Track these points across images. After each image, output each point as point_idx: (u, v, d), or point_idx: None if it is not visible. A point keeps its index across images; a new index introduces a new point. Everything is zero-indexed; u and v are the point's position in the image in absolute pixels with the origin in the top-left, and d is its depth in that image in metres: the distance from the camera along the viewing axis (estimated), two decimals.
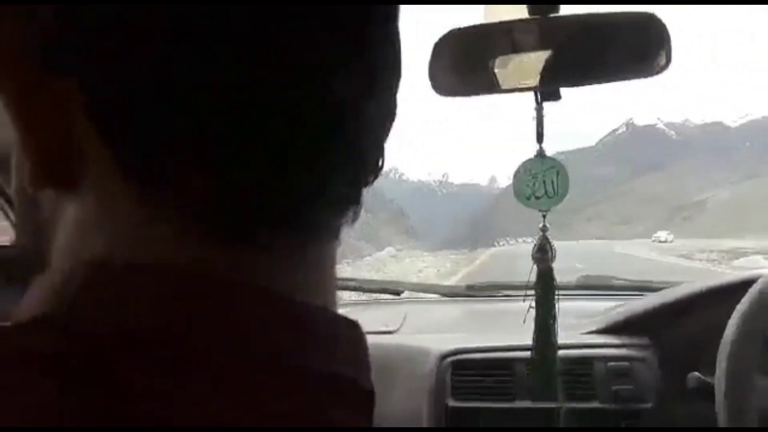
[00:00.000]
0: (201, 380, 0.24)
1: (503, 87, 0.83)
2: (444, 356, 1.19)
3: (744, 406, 0.85)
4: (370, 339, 1.10)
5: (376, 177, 0.32)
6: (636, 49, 0.79)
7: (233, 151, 0.26)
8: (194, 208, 0.26)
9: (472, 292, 1.63)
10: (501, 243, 66.16)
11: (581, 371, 1.13)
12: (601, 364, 1.14)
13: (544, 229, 0.86)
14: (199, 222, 0.26)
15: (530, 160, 0.84)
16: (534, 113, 0.82)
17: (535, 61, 0.81)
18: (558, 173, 0.84)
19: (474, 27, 0.81)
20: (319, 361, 0.27)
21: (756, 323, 0.87)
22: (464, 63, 0.82)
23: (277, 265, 0.28)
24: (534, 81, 0.81)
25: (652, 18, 0.77)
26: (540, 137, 0.82)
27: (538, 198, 0.84)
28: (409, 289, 1.69)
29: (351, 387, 0.29)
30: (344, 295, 1.72)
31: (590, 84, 0.80)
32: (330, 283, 0.32)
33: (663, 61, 0.78)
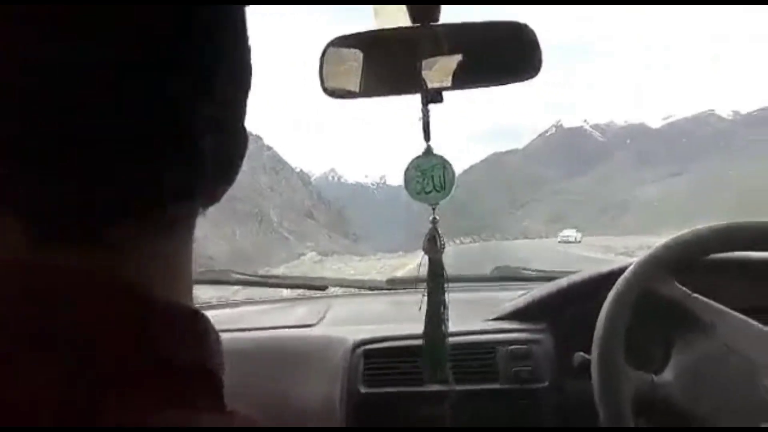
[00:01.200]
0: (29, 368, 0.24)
1: (390, 91, 0.88)
2: (357, 345, 1.25)
3: (613, 383, 0.92)
4: (291, 333, 1.16)
5: (231, 175, 0.34)
6: (510, 55, 0.87)
7: (58, 150, 0.26)
8: (20, 206, 0.26)
9: (392, 285, 1.69)
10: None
11: (485, 355, 1.21)
12: (502, 347, 1.22)
13: (433, 222, 0.92)
14: (26, 220, 0.26)
15: (419, 157, 0.90)
16: (420, 114, 0.87)
17: (417, 65, 0.87)
18: (444, 169, 0.90)
19: (362, 33, 0.87)
20: (165, 350, 0.28)
21: (622, 307, 0.95)
22: (351, 68, 0.87)
23: (119, 259, 0.28)
24: (417, 84, 0.87)
25: (524, 27, 0.85)
26: (427, 136, 0.88)
27: (427, 193, 0.90)
28: (332, 285, 1.74)
29: (198, 374, 0.30)
30: (270, 293, 1.76)
31: (470, 88, 0.87)
32: (181, 276, 0.33)
33: (535, 66, 0.86)
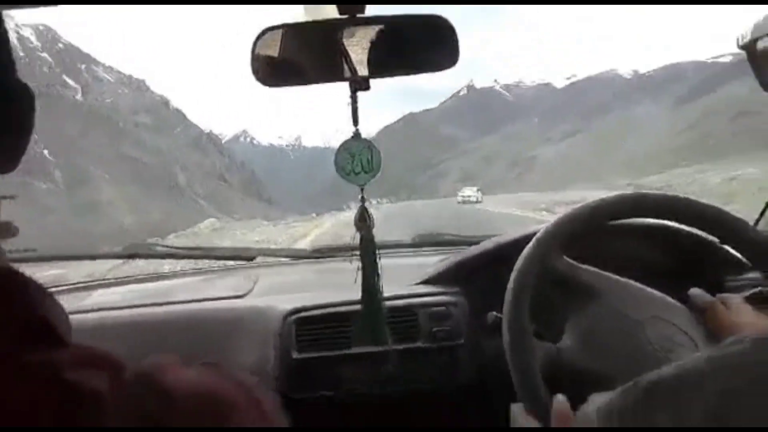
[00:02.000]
0: None
1: (319, 78, 0.94)
2: (288, 314, 1.31)
3: (523, 353, 0.99)
4: (222, 304, 1.21)
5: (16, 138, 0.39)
6: (430, 46, 0.94)
7: None
8: None
9: (318, 254, 1.75)
10: (352, 206, 66.54)
11: (408, 317, 1.31)
12: (423, 310, 1.33)
13: (362, 200, 1.00)
14: None
15: (348, 140, 0.96)
16: (349, 100, 0.93)
17: (346, 55, 0.93)
18: (372, 152, 0.97)
19: (292, 24, 0.91)
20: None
21: (525, 283, 1.05)
22: (283, 57, 0.92)
23: None
24: (345, 73, 0.93)
25: (443, 21, 0.92)
26: (355, 121, 0.95)
27: (356, 173, 0.97)
28: (260, 255, 1.77)
29: (26, 322, 0.34)
30: (198, 264, 1.76)
31: (394, 76, 0.94)
32: None
33: (453, 54, 0.94)
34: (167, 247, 1.69)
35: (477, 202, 35.85)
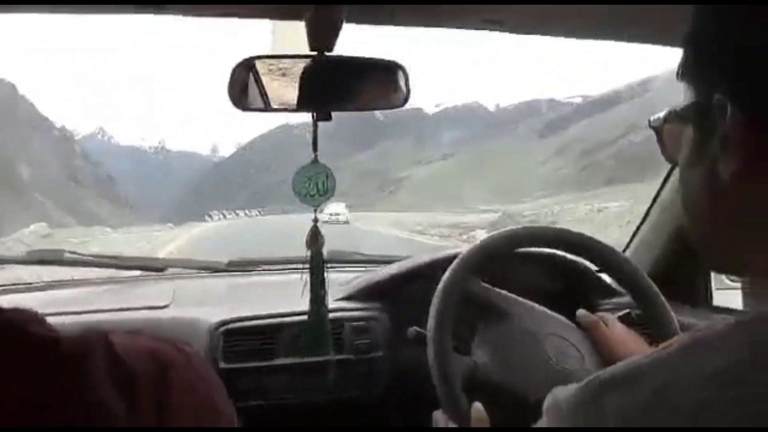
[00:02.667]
0: None
1: (284, 107, 1.02)
2: (216, 326, 1.35)
3: (446, 369, 1.10)
4: (146, 314, 1.26)
5: None
6: (385, 85, 1.05)
7: None
8: None
9: (233, 267, 1.78)
10: (215, 216, 57.24)
11: (337, 330, 1.39)
12: (348, 323, 1.42)
13: (315, 221, 1.08)
14: None
15: (306, 165, 1.05)
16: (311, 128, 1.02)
17: (312, 87, 1.01)
18: (327, 176, 1.07)
19: (264, 56, 0.98)
20: None
21: (446, 305, 1.15)
22: (255, 85, 0.99)
23: None
24: (309, 103, 1.02)
25: (397, 64, 1.04)
26: (315, 148, 1.04)
27: (312, 196, 1.06)
28: (171, 266, 1.76)
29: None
30: (104, 273, 1.71)
31: (353, 110, 1.04)
32: None
33: (404, 95, 1.06)
34: (76, 254, 1.63)
35: (345, 222, 31.54)
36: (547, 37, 1.10)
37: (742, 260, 0.49)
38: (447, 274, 1.19)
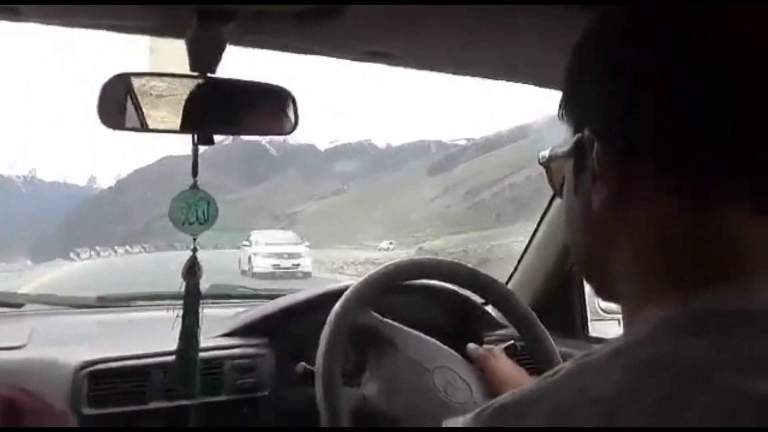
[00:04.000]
0: None
1: (160, 128, 0.96)
2: (80, 368, 1.22)
3: (333, 401, 1.09)
4: None
5: None
6: (272, 111, 1.02)
7: None
8: None
9: (103, 303, 1.63)
10: (84, 254, 45.99)
11: (213, 370, 1.31)
12: (228, 362, 1.34)
13: (194, 250, 1.01)
14: None
15: (185, 191, 0.99)
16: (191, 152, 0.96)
17: (192, 109, 0.96)
18: (209, 203, 1.01)
19: (142, 74, 0.92)
20: None
21: (337, 336, 1.15)
22: (129, 103, 0.92)
23: None
24: (189, 125, 0.97)
25: (285, 91, 1.02)
26: (195, 173, 0.98)
27: (191, 224, 1.00)
28: (32, 301, 1.59)
29: None
30: None
31: (236, 135, 1.00)
32: None
33: (292, 122, 1.03)
34: None
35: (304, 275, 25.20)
36: (436, 79, 1.14)
37: (614, 285, 0.52)
38: (337, 305, 1.18)
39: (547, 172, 0.60)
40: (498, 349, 1.27)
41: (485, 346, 1.28)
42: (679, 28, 0.46)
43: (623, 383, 0.41)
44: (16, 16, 0.81)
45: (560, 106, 0.55)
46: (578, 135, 0.51)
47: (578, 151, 0.51)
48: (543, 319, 1.27)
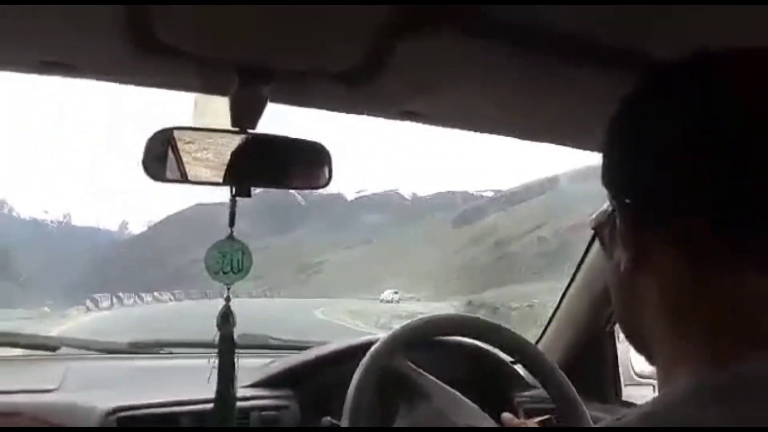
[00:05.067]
0: None
1: (203, 180, 0.99)
2: (110, 413, 1.23)
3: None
4: (29, 398, 1.15)
5: None
6: (308, 167, 1.06)
7: None
8: None
9: (135, 349, 1.65)
10: (104, 301, 36.49)
11: (241, 420, 1.30)
12: (255, 413, 1.34)
13: (227, 300, 1.03)
14: None
15: (222, 241, 1.01)
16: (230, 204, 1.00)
17: (232, 162, 1.00)
18: (243, 253, 1.03)
19: (184, 128, 0.96)
20: None
21: (368, 379, 1.16)
22: (172, 156, 0.96)
23: None
24: (228, 179, 1.00)
25: (320, 146, 1.05)
26: (231, 223, 1.01)
27: (225, 273, 1.02)
28: (66, 345, 1.61)
29: None
30: None
31: (274, 188, 1.03)
32: None
33: (326, 176, 1.06)
34: None
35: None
36: (462, 132, 1.17)
37: (649, 345, 0.53)
38: (368, 354, 1.18)
39: (597, 234, 0.62)
40: (533, 422, 1.26)
41: (521, 419, 1.27)
42: (700, 101, 0.47)
43: None
44: (70, 72, 0.86)
45: (601, 170, 0.57)
46: (609, 203, 0.55)
47: (610, 218, 0.55)
48: (574, 380, 1.25)
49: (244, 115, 0.96)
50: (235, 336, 1.84)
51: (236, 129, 0.97)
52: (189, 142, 0.96)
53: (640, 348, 0.56)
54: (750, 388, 0.42)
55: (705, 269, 0.46)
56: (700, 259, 0.47)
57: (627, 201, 0.52)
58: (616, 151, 0.54)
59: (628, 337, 0.58)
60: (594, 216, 0.60)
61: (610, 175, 0.55)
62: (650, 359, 0.55)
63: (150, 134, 0.92)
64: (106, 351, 1.64)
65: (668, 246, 0.48)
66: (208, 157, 0.98)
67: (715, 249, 0.46)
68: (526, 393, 1.52)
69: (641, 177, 0.50)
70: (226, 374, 1.05)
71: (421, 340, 1.24)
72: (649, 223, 0.50)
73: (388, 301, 39.88)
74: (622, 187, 0.53)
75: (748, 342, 0.44)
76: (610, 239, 0.55)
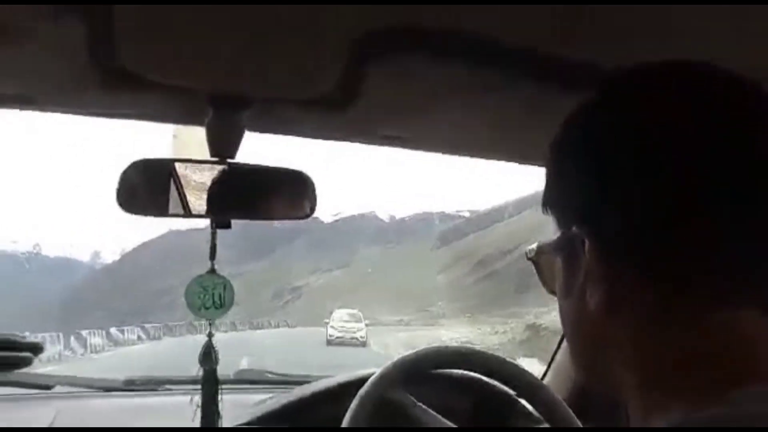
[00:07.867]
0: None
1: (180, 213, 0.96)
2: None
3: None
4: None
5: None
6: (290, 197, 1.03)
7: None
8: None
9: (131, 386, 1.60)
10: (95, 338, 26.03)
11: None
12: None
13: (209, 336, 1.00)
14: None
15: (202, 276, 0.98)
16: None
17: (211, 193, 0.97)
18: (225, 287, 1.00)
19: (159, 159, 0.94)
20: None
21: (364, 411, 1.12)
22: (147, 188, 0.93)
23: None
24: (208, 211, 0.97)
25: (303, 175, 1.03)
26: (212, 256, 0.98)
27: (207, 308, 0.98)
28: (61, 383, 1.56)
29: None
30: None
31: (256, 219, 1.00)
32: None
33: (309, 206, 1.04)
34: None
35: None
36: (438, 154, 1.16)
37: (618, 392, 0.48)
38: (366, 384, 1.16)
39: (536, 267, 0.55)
40: None
41: None
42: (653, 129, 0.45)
43: None
44: (31, 105, 0.83)
45: (544, 197, 0.52)
46: (566, 231, 0.48)
47: (568, 248, 0.48)
48: (581, 415, 1.22)
49: (222, 144, 0.93)
50: (232, 373, 1.80)
51: (215, 159, 0.94)
52: (166, 174, 0.93)
53: (607, 393, 0.52)
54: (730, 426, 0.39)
55: (690, 306, 0.43)
56: (685, 294, 0.43)
57: (594, 230, 0.46)
58: (573, 174, 0.48)
59: (589, 382, 0.54)
60: (534, 246, 0.54)
61: (566, 200, 0.49)
62: (620, 406, 0.52)
63: (124, 166, 0.89)
64: (101, 388, 1.59)
65: (646, 280, 0.44)
66: (186, 189, 0.95)
67: (704, 282, 0.43)
68: (536, 427, 1.50)
69: (611, 203, 0.45)
70: (210, 411, 1.01)
71: (422, 372, 1.21)
72: (621, 254, 0.45)
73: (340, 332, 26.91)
74: (588, 214, 0.46)
75: (733, 384, 0.41)
76: (566, 274, 0.49)
